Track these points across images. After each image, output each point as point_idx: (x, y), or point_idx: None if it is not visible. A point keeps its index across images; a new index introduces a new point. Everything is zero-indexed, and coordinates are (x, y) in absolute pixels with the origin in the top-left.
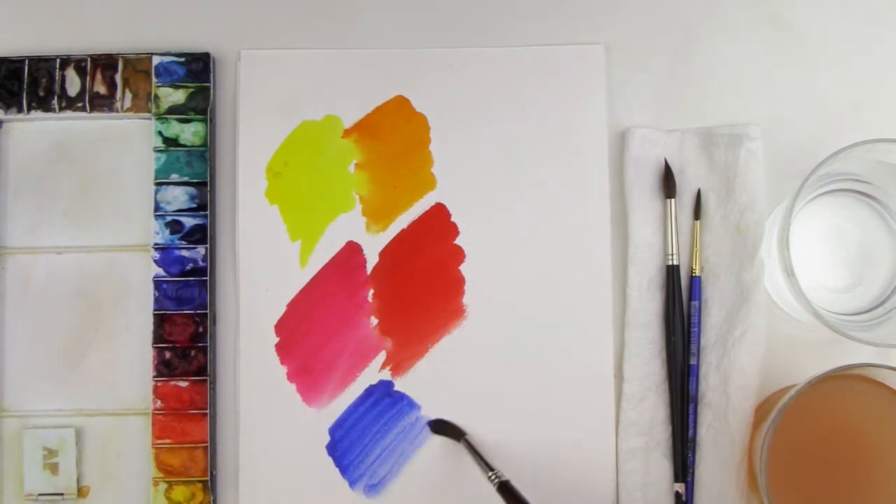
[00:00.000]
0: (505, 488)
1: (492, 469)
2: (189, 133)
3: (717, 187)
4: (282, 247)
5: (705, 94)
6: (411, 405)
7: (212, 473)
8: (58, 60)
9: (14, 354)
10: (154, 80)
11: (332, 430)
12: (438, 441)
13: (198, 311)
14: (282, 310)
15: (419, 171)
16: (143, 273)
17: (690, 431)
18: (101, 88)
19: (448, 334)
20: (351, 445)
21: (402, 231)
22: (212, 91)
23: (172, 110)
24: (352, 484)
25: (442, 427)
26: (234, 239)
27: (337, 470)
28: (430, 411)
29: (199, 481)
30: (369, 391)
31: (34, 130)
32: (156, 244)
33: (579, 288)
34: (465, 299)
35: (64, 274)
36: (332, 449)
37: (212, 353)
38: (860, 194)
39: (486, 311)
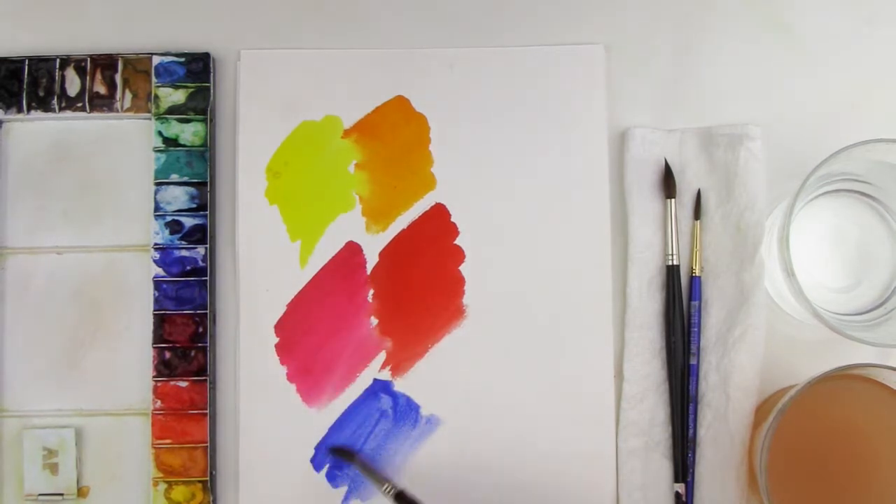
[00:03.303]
0: (401, 497)
1: (386, 481)
2: (189, 133)
3: (717, 187)
4: (282, 247)
5: (705, 94)
6: (410, 405)
7: (212, 473)
8: (58, 60)
9: (14, 354)
10: (154, 80)
11: (329, 433)
12: (438, 441)
13: (198, 311)
14: (282, 310)
15: (419, 171)
16: (143, 273)
17: (690, 431)
18: (101, 88)
19: (448, 334)
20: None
21: (402, 231)
22: (212, 91)
23: (172, 110)
24: (350, 485)
25: (337, 452)
26: (234, 239)
27: (331, 474)
28: (430, 411)
29: (199, 481)
30: (369, 391)
31: (34, 130)
32: (156, 244)
33: (579, 288)
34: (465, 299)
35: (64, 274)
36: (323, 461)
37: (212, 353)
38: (860, 194)
39: (486, 311)
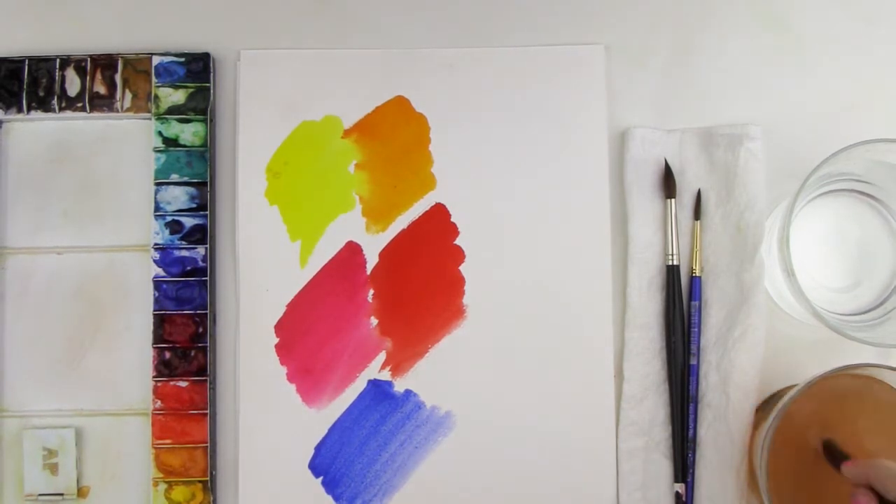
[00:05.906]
0: None
1: None
2: (189, 133)
3: (717, 187)
4: (282, 247)
5: (705, 94)
6: (408, 404)
7: (212, 473)
8: (58, 60)
9: (14, 354)
10: (154, 80)
11: (329, 433)
12: (438, 441)
13: (198, 311)
14: (282, 310)
15: (419, 171)
16: (143, 273)
17: (690, 431)
18: (101, 88)
19: (448, 334)
20: (346, 451)
21: (402, 231)
22: (212, 91)
23: (172, 110)
24: (350, 487)
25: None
26: (234, 239)
27: (329, 480)
28: (430, 411)
29: (199, 481)
30: (369, 391)
31: (34, 130)
32: (156, 244)
33: (579, 288)
34: (465, 299)
35: (64, 274)
36: (323, 461)
37: (212, 353)
38: (860, 194)
39: (486, 311)
